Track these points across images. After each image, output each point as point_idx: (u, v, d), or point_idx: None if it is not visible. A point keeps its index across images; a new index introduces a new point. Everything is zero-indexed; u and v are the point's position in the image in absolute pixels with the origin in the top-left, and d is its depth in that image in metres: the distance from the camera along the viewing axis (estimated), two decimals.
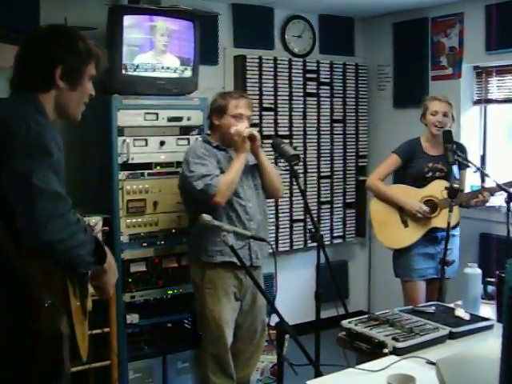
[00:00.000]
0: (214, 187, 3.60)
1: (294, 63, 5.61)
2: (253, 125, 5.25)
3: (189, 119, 4.40)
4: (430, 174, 4.34)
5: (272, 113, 5.48)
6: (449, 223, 3.86)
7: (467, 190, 4.59)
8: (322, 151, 5.84)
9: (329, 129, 5.86)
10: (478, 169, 4.27)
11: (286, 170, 5.22)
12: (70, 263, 2.16)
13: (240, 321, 3.94)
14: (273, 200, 5.39)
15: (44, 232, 2.04)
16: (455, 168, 4.28)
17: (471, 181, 4.94)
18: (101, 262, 2.31)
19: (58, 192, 2.11)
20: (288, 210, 5.65)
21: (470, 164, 4.16)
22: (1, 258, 2.13)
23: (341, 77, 5.90)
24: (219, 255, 3.74)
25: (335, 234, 6.02)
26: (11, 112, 2.19)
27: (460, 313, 2.88)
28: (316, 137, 5.79)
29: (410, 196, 4.35)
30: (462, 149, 4.34)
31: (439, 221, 4.19)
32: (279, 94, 5.50)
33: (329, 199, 5.94)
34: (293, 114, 5.60)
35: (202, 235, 3.75)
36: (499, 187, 4.05)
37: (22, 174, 2.06)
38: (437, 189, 4.23)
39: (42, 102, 2.27)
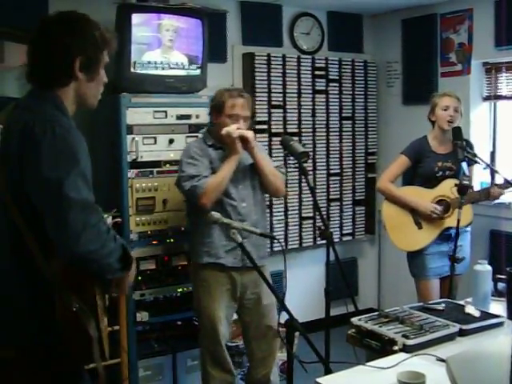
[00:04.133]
0: (201, 189, 3.61)
1: (302, 60, 5.60)
2: (262, 122, 5.29)
3: (197, 117, 4.40)
4: (441, 173, 4.31)
5: (281, 110, 5.47)
6: (458, 220, 3.86)
7: (476, 186, 4.55)
8: (331, 148, 5.83)
9: (338, 126, 5.86)
10: (488, 165, 4.26)
11: (295, 168, 5.24)
12: (98, 271, 2.16)
13: (247, 319, 3.93)
14: (282, 198, 5.40)
15: (77, 244, 2.03)
16: (464, 165, 4.27)
17: (481, 177, 4.92)
18: (126, 268, 2.31)
19: (89, 201, 2.09)
20: (297, 208, 5.64)
21: (479, 160, 4.15)
22: (29, 263, 2.12)
23: (349, 74, 5.90)
24: (206, 256, 3.75)
25: (344, 232, 6.02)
26: (33, 114, 2.12)
27: (470, 310, 2.87)
28: (325, 134, 5.78)
29: (422, 197, 4.32)
30: (469, 145, 4.33)
31: (453, 220, 4.15)
32: (288, 91, 5.50)
33: (338, 196, 5.93)
34: (302, 111, 5.60)
35: (193, 235, 3.84)
36: (509, 183, 4.05)
37: (52, 183, 2.02)
38: (448, 188, 4.21)
39: (61, 98, 2.21)
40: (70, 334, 2.12)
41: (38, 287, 2.14)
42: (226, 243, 3.69)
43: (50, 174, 2.03)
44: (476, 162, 4.23)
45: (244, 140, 3.69)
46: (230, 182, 3.71)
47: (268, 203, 5.39)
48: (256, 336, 3.93)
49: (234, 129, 3.66)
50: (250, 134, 3.74)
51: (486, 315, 2.84)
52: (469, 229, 4.41)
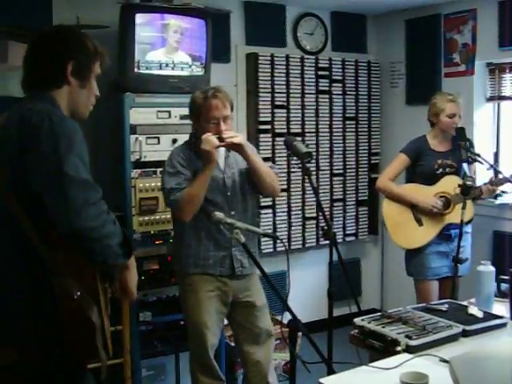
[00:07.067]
0: (177, 202, 3.45)
1: (306, 61, 5.60)
2: (265, 122, 5.29)
3: None
4: (440, 170, 4.32)
5: (284, 110, 5.47)
6: (462, 220, 3.85)
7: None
8: (334, 149, 5.83)
9: (341, 126, 5.85)
10: (492, 166, 4.25)
11: (298, 168, 5.23)
12: (100, 253, 2.18)
13: (240, 321, 3.78)
14: (285, 198, 5.42)
15: (78, 219, 2.07)
16: (464, 163, 4.26)
17: (484, 178, 4.91)
18: (128, 256, 2.34)
19: (88, 180, 2.15)
20: (300, 208, 5.64)
21: (482, 160, 4.14)
22: (30, 251, 2.14)
23: (353, 74, 5.89)
24: (193, 267, 3.61)
25: (348, 232, 6.01)
26: (30, 108, 2.20)
27: (473, 311, 2.87)
28: (328, 134, 5.78)
29: (423, 193, 4.32)
30: (470, 144, 4.32)
31: (453, 216, 4.16)
32: (291, 91, 5.49)
33: (341, 197, 5.93)
34: (305, 111, 5.59)
35: (179, 244, 3.69)
36: (507, 181, 4.07)
37: (52, 165, 2.08)
38: (448, 184, 4.22)
39: (55, 99, 2.29)
40: (72, 323, 2.13)
41: (38, 278, 2.15)
42: (213, 253, 3.57)
43: (50, 156, 2.09)
44: (476, 160, 4.21)
45: (237, 146, 3.52)
46: (217, 191, 3.57)
47: (271, 203, 5.41)
48: (249, 338, 3.78)
49: (212, 139, 3.41)
50: (239, 139, 3.53)
51: (489, 316, 2.84)
52: (469, 230, 4.40)
